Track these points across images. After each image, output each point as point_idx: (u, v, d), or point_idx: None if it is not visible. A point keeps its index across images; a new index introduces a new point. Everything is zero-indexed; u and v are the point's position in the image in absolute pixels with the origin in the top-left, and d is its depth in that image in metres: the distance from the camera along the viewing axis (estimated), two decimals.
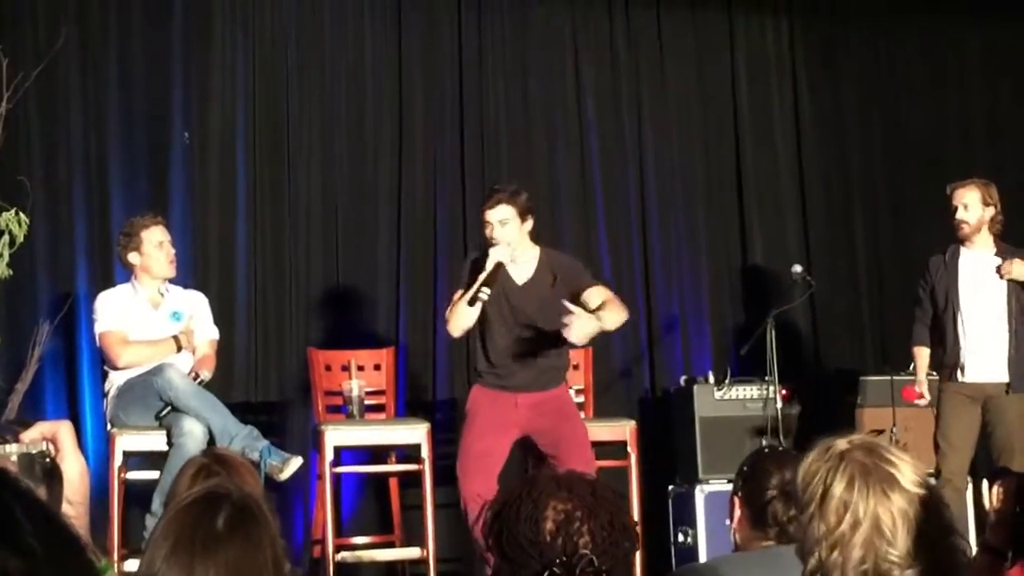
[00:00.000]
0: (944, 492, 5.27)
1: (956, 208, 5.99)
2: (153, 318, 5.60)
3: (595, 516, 1.99)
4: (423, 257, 7.17)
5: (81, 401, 6.41)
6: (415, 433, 5.73)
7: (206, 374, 5.49)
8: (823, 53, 8.08)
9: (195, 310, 5.71)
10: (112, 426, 5.49)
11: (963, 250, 6.04)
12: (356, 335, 6.69)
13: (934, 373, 6.14)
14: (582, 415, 5.81)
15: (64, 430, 1.53)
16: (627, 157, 7.63)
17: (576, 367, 6.22)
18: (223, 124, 6.94)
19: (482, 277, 5.22)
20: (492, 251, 5.27)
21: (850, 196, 8.02)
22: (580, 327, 5.16)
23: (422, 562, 5.77)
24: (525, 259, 5.41)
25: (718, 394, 6.73)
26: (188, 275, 6.27)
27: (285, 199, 7.00)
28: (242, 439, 5.21)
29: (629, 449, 5.90)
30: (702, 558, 6.21)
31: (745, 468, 2.89)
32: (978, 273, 6.00)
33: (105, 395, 5.60)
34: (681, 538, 6.52)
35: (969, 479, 6.27)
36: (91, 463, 6.04)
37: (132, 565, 4.83)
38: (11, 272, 5.75)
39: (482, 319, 5.33)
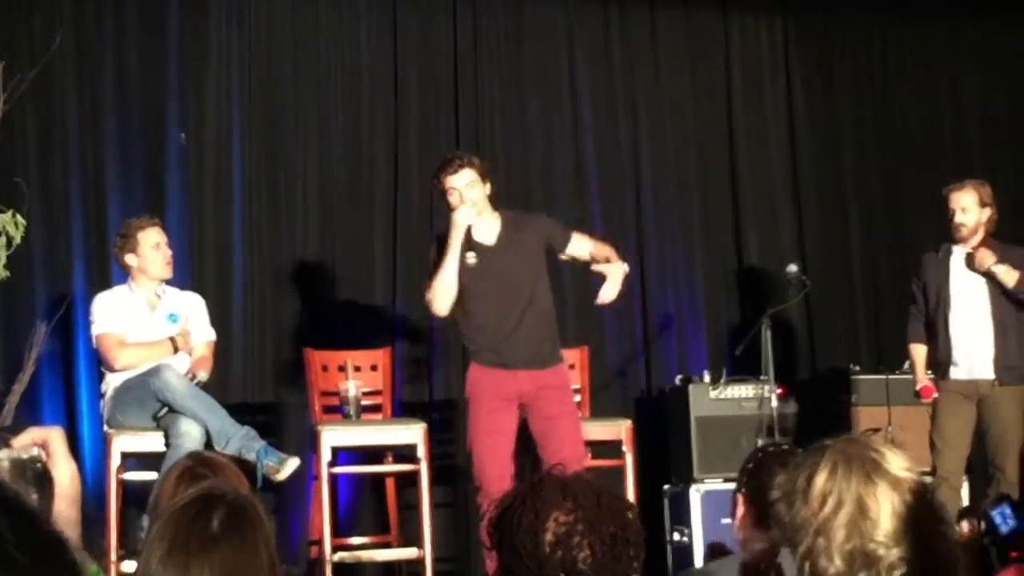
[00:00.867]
0: (940, 491, 5.31)
1: (953, 212, 5.99)
2: (150, 320, 5.61)
3: (597, 530, 1.96)
4: (419, 257, 7.15)
5: (78, 402, 6.41)
6: (412, 433, 5.73)
7: (203, 375, 5.50)
8: (817, 52, 8.09)
9: (192, 311, 5.71)
10: (109, 427, 5.49)
11: (956, 248, 6.05)
12: (353, 336, 6.69)
13: (931, 372, 6.15)
14: (578, 414, 5.80)
15: (55, 435, 1.54)
16: (622, 156, 7.64)
17: (572, 367, 6.21)
18: (219, 125, 6.95)
19: (454, 243, 5.18)
20: (455, 215, 5.20)
21: (844, 195, 8.04)
22: (614, 279, 5.15)
23: (419, 562, 5.78)
24: (490, 222, 5.33)
25: (713, 393, 6.74)
26: (185, 276, 6.28)
27: (281, 200, 7.01)
28: (239, 440, 5.22)
29: (625, 448, 5.91)
30: (697, 557, 6.23)
31: (749, 466, 2.88)
32: (971, 273, 6.01)
33: (102, 396, 5.61)
34: (677, 537, 6.54)
35: (966, 477, 6.29)
36: (88, 464, 6.06)
37: (129, 566, 4.85)
38: (8, 274, 5.75)
39: (463, 299, 5.25)
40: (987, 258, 5.89)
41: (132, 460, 5.54)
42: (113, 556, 5.16)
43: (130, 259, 5.61)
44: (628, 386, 7.40)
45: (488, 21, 7.49)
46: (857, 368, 7.05)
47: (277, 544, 1.94)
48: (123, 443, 5.40)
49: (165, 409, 5.24)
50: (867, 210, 8.02)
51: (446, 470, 6.81)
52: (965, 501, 6.24)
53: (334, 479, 5.88)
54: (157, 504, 2.94)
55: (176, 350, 5.55)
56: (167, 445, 5.22)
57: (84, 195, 6.67)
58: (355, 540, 6.31)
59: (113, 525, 5.30)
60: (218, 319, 6.05)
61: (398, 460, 6.00)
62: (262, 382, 6.83)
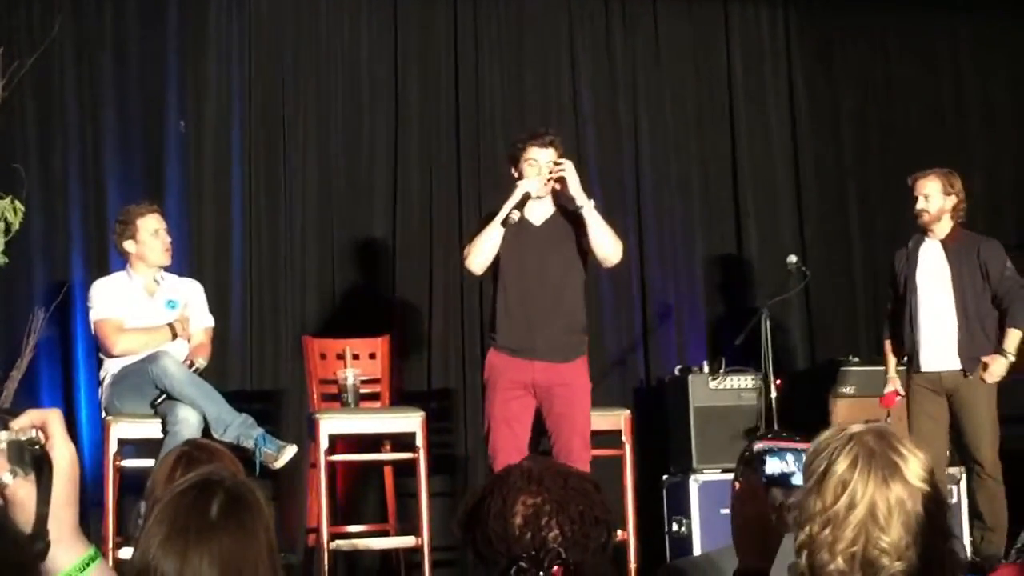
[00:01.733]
0: None
1: (916, 198, 6.01)
2: (148, 306, 5.60)
3: (565, 509, 1.99)
4: (418, 246, 7.17)
5: (76, 389, 6.41)
6: (410, 422, 5.73)
7: (201, 362, 5.50)
8: (819, 43, 8.07)
9: (190, 298, 5.70)
10: (107, 414, 5.48)
11: (926, 239, 6.05)
12: (351, 324, 6.68)
13: (902, 365, 6.13)
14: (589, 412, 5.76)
15: (54, 417, 1.53)
16: (623, 147, 7.63)
17: None
18: (218, 113, 6.94)
19: (508, 204, 5.26)
20: (522, 182, 5.30)
21: (845, 186, 8.03)
22: (571, 179, 5.32)
23: (417, 550, 5.78)
24: (546, 205, 5.43)
25: (712, 384, 6.74)
26: (183, 263, 6.27)
27: (280, 188, 7.00)
28: (237, 427, 5.21)
29: (624, 438, 5.90)
30: (696, 547, 6.24)
31: (747, 453, 2.87)
32: (937, 262, 6.00)
33: (100, 383, 5.60)
34: (675, 527, 6.53)
35: (962, 469, 6.27)
36: (86, 451, 6.06)
37: (126, 553, 4.84)
38: (6, 260, 5.75)
39: (498, 271, 5.33)
40: (997, 372, 5.86)
41: (130, 447, 5.54)
42: (110, 543, 5.17)
43: (129, 245, 5.60)
44: (627, 376, 7.40)
45: (489, 12, 7.47)
46: (856, 360, 7.03)
47: (275, 531, 1.94)
48: (121, 430, 5.40)
49: (163, 396, 5.24)
50: (867, 201, 8.00)
51: (444, 459, 6.81)
52: (954, 497, 6.23)
53: (332, 467, 5.87)
54: (153, 490, 2.93)
55: (175, 336, 5.54)
56: (165, 432, 5.22)
57: (83, 181, 6.66)
58: (353, 528, 6.31)
59: (110, 512, 5.29)
60: (217, 307, 6.05)
61: (396, 448, 6.00)
62: (260, 370, 6.82)
